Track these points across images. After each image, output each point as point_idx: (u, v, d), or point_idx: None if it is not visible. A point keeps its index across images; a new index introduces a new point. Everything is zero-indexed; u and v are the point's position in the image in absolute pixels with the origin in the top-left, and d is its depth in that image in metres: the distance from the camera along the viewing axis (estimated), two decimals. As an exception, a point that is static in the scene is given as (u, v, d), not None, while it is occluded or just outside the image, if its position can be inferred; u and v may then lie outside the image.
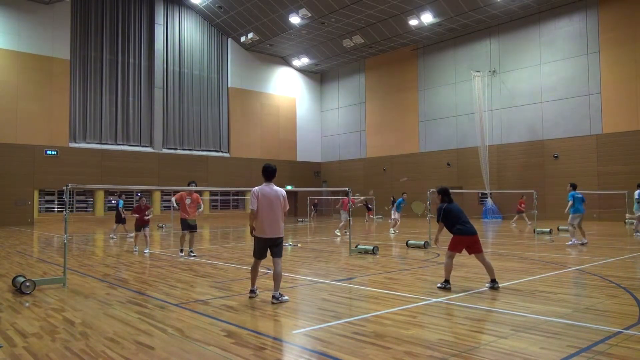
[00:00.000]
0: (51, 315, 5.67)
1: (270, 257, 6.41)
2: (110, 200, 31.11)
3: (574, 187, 13.51)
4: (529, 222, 22.90)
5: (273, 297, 6.24)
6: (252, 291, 6.58)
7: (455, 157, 31.53)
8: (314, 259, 10.95)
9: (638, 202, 15.10)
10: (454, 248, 7.10)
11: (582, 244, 12.86)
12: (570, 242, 13.05)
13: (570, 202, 13.36)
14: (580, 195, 13.34)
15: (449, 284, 7.00)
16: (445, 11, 28.74)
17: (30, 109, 27.88)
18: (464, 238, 7.04)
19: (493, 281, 6.94)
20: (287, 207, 6.49)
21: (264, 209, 6.27)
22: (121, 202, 18.60)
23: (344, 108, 39.47)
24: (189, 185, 11.79)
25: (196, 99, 34.91)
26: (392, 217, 19.25)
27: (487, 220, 27.55)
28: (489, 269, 7.01)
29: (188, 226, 11.63)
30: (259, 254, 6.41)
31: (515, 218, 24.31)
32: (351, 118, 38.78)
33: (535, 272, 8.52)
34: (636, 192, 15.30)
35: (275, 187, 6.42)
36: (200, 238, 17.20)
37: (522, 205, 23.60)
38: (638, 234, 15.36)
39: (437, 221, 7.34)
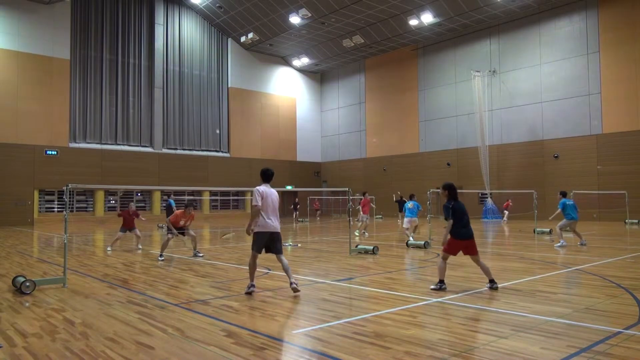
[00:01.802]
0: (51, 315, 5.67)
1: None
2: (109, 200, 31.16)
3: (563, 194, 13.35)
4: (506, 220, 24.94)
5: (292, 283, 6.64)
6: (252, 285, 6.83)
7: (455, 157, 31.53)
8: (314, 259, 10.95)
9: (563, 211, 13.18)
10: (450, 251, 7.04)
11: (582, 244, 12.80)
12: (558, 245, 12.68)
13: (559, 211, 13.15)
14: (571, 202, 13.12)
15: (444, 284, 6.94)
16: (445, 11, 28.74)
17: (30, 109, 27.88)
18: (462, 242, 6.98)
19: (492, 282, 6.90)
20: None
21: (267, 205, 6.72)
22: (172, 201, 19.32)
23: (344, 108, 39.46)
24: (187, 207, 11.67)
25: (196, 99, 34.91)
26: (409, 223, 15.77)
27: (487, 220, 27.55)
28: (485, 270, 6.97)
29: (175, 229, 11.57)
30: (259, 248, 6.76)
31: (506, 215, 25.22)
32: (351, 118, 38.78)
33: (535, 272, 8.52)
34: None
35: (272, 189, 6.92)
36: (201, 238, 17.20)
37: (508, 206, 25.24)
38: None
39: (447, 219, 7.09)
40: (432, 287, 6.97)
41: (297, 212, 32.36)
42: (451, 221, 6.98)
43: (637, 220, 21.64)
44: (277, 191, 7.03)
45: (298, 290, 6.65)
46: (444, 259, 7.06)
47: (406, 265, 9.81)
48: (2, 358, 4.11)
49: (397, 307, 5.88)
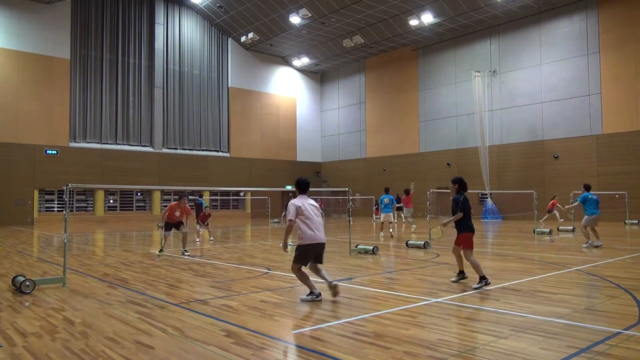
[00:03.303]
0: (51, 315, 5.67)
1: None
2: (110, 200, 31.19)
3: (587, 188, 12.64)
4: (561, 219, 22.50)
5: (330, 282, 6.34)
6: (318, 294, 6.26)
7: (455, 157, 31.53)
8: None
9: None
10: (469, 245, 7.21)
11: (597, 247, 12.25)
12: (598, 243, 12.28)
13: (577, 203, 12.62)
14: (595, 197, 12.53)
15: (486, 278, 6.99)
16: (446, 11, 28.74)
17: (30, 109, 27.88)
18: (472, 235, 7.26)
19: (483, 278, 7.01)
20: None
21: (311, 216, 6.31)
22: (203, 201, 20.16)
23: (344, 108, 39.46)
24: (181, 198, 11.88)
25: (196, 99, 34.91)
26: (384, 218, 16.51)
27: (487, 220, 27.54)
28: (477, 266, 7.21)
29: (171, 227, 11.89)
30: (305, 261, 6.34)
31: (545, 217, 23.24)
32: (351, 118, 38.78)
33: (535, 272, 8.52)
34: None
35: (310, 200, 6.52)
36: (201, 238, 17.16)
37: (555, 204, 22.90)
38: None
39: (458, 211, 7.17)
40: (475, 286, 6.91)
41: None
42: (461, 214, 7.16)
43: (637, 221, 21.63)
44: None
45: (337, 293, 6.30)
46: (471, 254, 7.13)
47: (406, 265, 9.80)
48: (1, 358, 4.11)
49: (397, 307, 5.88)
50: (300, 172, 38.98)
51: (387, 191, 16.69)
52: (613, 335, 4.54)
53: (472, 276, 7.41)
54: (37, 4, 28.16)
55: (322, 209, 34.86)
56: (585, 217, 12.46)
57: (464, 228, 7.20)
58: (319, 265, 6.44)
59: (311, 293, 6.26)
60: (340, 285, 6.52)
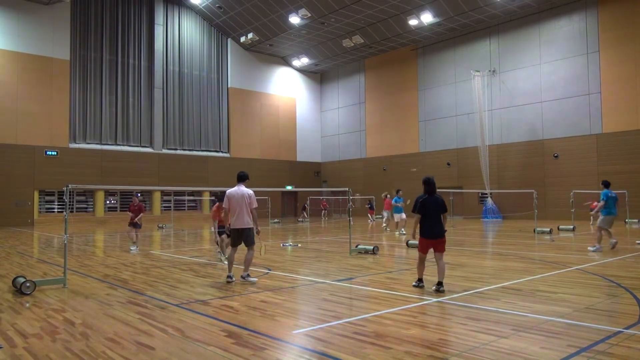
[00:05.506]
0: (51, 316, 5.67)
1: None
2: (110, 201, 31.19)
3: (606, 185, 11.77)
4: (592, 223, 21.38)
5: (241, 276, 7.81)
6: (229, 276, 7.79)
7: (455, 157, 31.52)
8: (314, 259, 10.95)
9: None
10: (421, 250, 7.12)
11: (613, 247, 11.60)
12: (593, 248, 11.37)
13: (602, 203, 11.58)
14: (614, 195, 11.68)
15: (422, 282, 7.14)
16: (445, 11, 28.73)
17: (30, 109, 27.88)
18: (430, 241, 6.99)
19: (439, 284, 6.73)
20: (254, 205, 7.86)
21: (232, 206, 7.81)
22: None
23: (344, 108, 39.45)
24: (217, 196, 10.71)
25: (196, 99, 34.91)
26: (397, 218, 18.46)
27: (487, 220, 27.53)
28: (441, 271, 6.86)
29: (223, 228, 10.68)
30: (233, 242, 7.98)
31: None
32: (351, 118, 38.77)
33: (535, 271, 8.52)
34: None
35: (243, 188, 7.84)
36: (201, 238, 17.20)
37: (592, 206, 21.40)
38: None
39: (412, 211, 7.11)
40: (414, 284, 7.20)
41: (304, 213, 32.82)
42: (418, 215, 7.03)
43: (637, 220, 21.62)
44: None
45: (245, 280, 7.69)
46: (419, 258, 7.15)
47: (406, 265, 9.80)
48: (2, 359, 4.11)
49: (397, 307, 5.88)
50: (300, 172, 39.06)
51: (397, 192, 18.99)
52: (614, 335, 4.54)
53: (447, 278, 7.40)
54: (36, 4, 28.16)
55: (325, 209, 35.39)
56: (602, 217, 11.58)
57: (420, 232, 7.02)
58: (248, 255, 7.98)
59: (228, 276, 7.79)
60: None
